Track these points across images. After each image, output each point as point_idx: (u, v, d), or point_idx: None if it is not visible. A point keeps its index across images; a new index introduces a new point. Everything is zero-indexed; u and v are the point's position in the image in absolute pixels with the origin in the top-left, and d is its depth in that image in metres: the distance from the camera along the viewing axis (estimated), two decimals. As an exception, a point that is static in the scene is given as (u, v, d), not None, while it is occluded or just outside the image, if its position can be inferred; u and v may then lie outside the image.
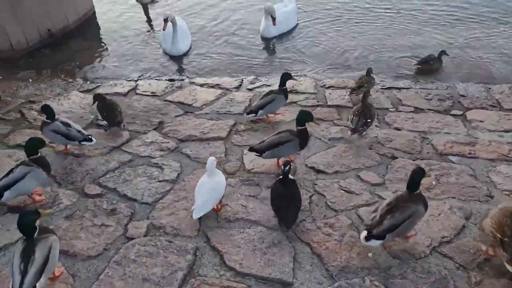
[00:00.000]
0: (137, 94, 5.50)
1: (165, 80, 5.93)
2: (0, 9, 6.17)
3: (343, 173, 3.86)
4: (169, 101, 5.28)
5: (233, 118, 4.81)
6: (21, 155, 4.12)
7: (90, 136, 4.02)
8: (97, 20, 7.69)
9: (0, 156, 4.12)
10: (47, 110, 4.02)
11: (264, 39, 7.01)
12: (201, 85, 5.69)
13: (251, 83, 5.77)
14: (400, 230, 2.90)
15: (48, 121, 4.01)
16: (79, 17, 7.36)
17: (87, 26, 7.44)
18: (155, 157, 4.11)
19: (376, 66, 5.92)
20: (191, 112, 5.03)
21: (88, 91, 5.58)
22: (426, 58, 5.99)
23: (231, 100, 5.25)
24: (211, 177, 3.31)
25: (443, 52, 6.03)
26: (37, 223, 2.70)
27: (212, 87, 5.66)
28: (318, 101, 5.18)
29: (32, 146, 3.44)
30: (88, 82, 5.89)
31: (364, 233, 2.89)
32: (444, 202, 3.46)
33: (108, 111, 4.52)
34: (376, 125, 4.59)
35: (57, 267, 2.86)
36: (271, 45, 6.89)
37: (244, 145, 4.30)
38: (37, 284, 2.53)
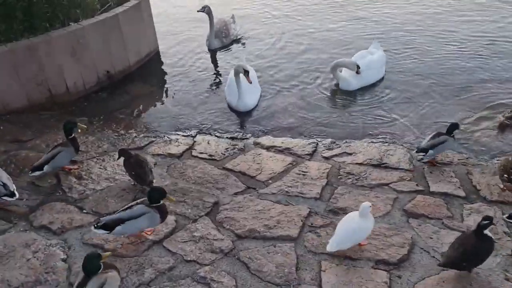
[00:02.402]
0: (193, 156, 4.53)
1: (226, 138, 4.93)
2: (60, 50, 5.55)
3: (473, 327, 2.56)
4: (229, 170, 4.24)
5: (307, 205, 3.65)
6: (42, 244, 3.25)
7: (13, 191, 3.49)
8: (161, 61, 6.92)
9: (16, 245, 3.23)
10: None
11: (343, 92, 5.82)
12: (268, 148, 4.62)
13: (328, 148, 4.60)
14: None
15: None
16: (140, 58, 6.62)
17: (149, 68, 6.68)
18: (203, 264, 3.03)
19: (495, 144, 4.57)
20: (254, 189, 3.95)
21: (139, 148, 4.70)
22: None
23: (303, 175, 4.11)
24: (362, 218, 3.01)
25: None
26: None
27: (281, 151, 4.56)
28: (417, 184, 3.90)
29: (158, 197, 3.12)
30: (141, 136, 5.02)
31: None
32: None
33: (137, 168, 3.75)
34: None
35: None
36: (351, 101, 5.66)
37: (322, 252, 3.11)
38: None
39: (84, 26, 5.72)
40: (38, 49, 5.40)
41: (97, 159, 4.42)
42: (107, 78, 6.15)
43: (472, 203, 3.63)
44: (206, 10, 6.86)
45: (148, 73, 6.55)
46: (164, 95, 6.07)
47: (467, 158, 4.35)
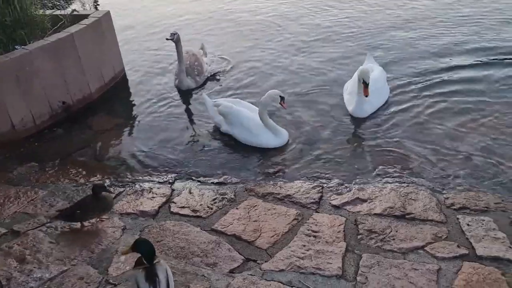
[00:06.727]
0: (172, 213, 3.54)
1: (212, 183, 3.95)
2: (1, 80, 4.44)
3: None
4: (219, 233, 3.28)
5: (328, 288, 2.73)
6: None
7: None
8: (128, 87, 5.83)
9: None
10: None
11: (355, 120, 4.80)
12: (264, 197, 3.68)
13: (336, 193, 3.70)
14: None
15: None
16: (104, 83, 5.56)
17: (114, 95, 5.59)
18: None
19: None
20: (255, 262, 3.00)
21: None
22: None
23: (315, 236, 3.18)
24: None
25: None
26: None
27: (280, 199, 3.64)
28: (458, 246, 3.03)
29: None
30: (106, 185, 3.96)
31: None
32: None
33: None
34: None
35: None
36: (353, 130, 4.74)
37: None
38: None
39: (31, 50, 4.62)
40: (-28, 81, 4.27)
41: (47, 227, 3.33)
42: (63, 110, 5.07)
43: (534, 271, 2.80)
44: (176, 37, 5.24)
45: (113, 102, 5.49)
46: (133, 129, 5.01)
47: (502, 200, 3.53)
